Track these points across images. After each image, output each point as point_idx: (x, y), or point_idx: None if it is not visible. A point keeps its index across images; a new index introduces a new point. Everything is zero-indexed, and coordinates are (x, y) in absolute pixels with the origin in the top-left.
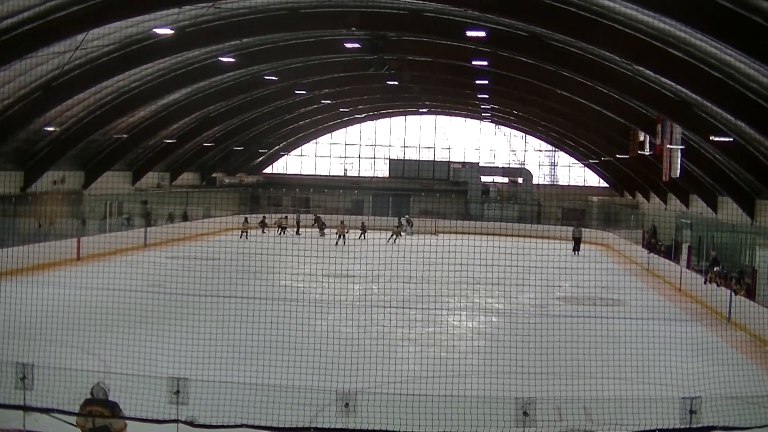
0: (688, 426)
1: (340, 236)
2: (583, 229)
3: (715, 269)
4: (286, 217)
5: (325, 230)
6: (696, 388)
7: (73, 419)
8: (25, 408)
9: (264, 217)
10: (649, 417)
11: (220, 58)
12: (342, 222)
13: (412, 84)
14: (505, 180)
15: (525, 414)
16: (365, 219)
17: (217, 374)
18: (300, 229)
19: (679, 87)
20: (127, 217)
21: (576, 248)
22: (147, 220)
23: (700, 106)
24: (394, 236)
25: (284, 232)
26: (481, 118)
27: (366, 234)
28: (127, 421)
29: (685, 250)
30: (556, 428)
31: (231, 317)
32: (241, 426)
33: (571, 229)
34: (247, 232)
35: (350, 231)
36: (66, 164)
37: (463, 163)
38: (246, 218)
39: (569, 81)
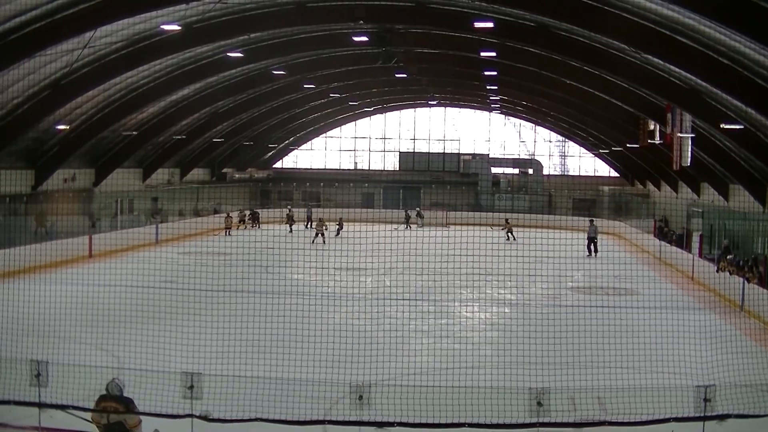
0: (702, 414)
1: (318, 234)
2: (598, 226)
3: (727, 257)
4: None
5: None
6: (710, 376)
7: (88, 415)
8: (41, 405)
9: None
10: (663, 406)
11: (228, 54)
12: (320, 219)
13: (421, 76)
14: (516, 171)
15: (539, 404)
16: (343, 213)
17: (230, 368)
18: (311, 224)
19: (687, 75)
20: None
21: (593, 249)
22: (158, 216)
23: (709, 94)
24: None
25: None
26: (491, 110)
27: (341, 230)
28: (141, 417)
29: (696, 239)
30: (569, 418)
31: (243, 312)
32: (255, 420)
33: (584, 221)
34: (230, 229)
35: (328, 228)
36: (76, 162)
37: (473, 155)
38: (228, 214)
39: (578, 71)
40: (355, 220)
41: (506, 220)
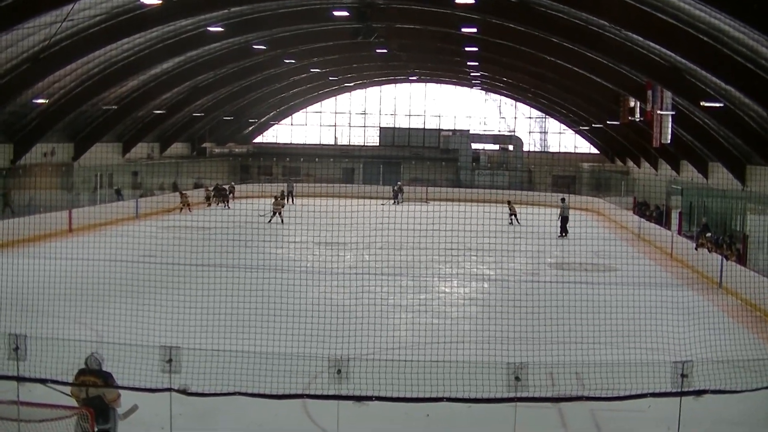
0: (679, 390)
1: (275, 213)
2: (569, 205)
3: (706, 235)
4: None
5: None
6: (687, 352)
7: (67, 389)
8: (19, 378)
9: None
10: (640, 381)
11: (209, 28)
12: (276, 197)
13: (401, 52)
14: (496, 147)
15: (517, 379)
16: (296, 184)
17: (209, 342)
18: (293, 200)
19: (668, 52)
20: (116, 188)
21: (563, 230)
22: (138, 190)
23: (689, 72)
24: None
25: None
26: (471, 86)
27: (294, 199)
28: (120, 391)
29: (675, 216)
30: (547, 393)
31: (223, 286)
32: (234, 394)
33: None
34: (189, 206)
35: (284, 207)
36: (55, 136)
37: (454, 131)
38: (182, 192)
39: (558, 47)
40: (334, 195)
41: (509, 201)
